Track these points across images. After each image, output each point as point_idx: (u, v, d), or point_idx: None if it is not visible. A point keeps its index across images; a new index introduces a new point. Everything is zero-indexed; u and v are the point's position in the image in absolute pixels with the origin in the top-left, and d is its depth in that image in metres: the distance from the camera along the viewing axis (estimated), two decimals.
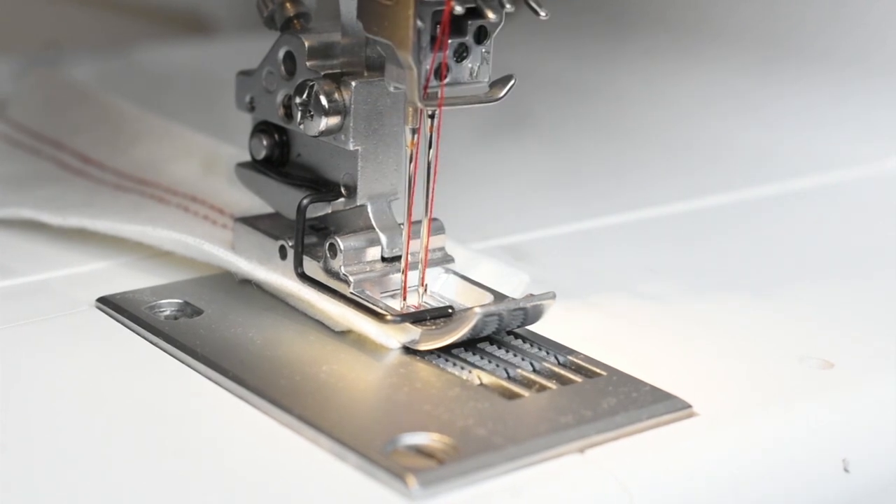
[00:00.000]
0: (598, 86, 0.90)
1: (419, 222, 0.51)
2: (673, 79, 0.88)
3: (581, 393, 0.47)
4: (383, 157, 0.53)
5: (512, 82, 0.50)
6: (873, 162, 0.76)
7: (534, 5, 0.48)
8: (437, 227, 0.53)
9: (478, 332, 0.49)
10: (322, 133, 0.52)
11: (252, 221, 0.56)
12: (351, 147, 0.52)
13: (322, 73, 0.52)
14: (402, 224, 0.51)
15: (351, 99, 0.51)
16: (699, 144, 0.80)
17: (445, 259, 0.54)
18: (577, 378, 0.48)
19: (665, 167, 0.77)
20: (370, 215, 0.53)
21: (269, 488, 0.42)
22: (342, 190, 0.53)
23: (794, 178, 0.75)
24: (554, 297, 0.50)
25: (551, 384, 0.48)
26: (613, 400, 0.46)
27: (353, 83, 0.51)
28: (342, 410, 0.46)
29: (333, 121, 0.51)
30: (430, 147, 0.50)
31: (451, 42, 0.48)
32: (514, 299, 0.50)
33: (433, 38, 0.48)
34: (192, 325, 0.52)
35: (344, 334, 0.51)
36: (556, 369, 0.49)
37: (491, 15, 0.48)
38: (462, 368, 0.48)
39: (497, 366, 0.49)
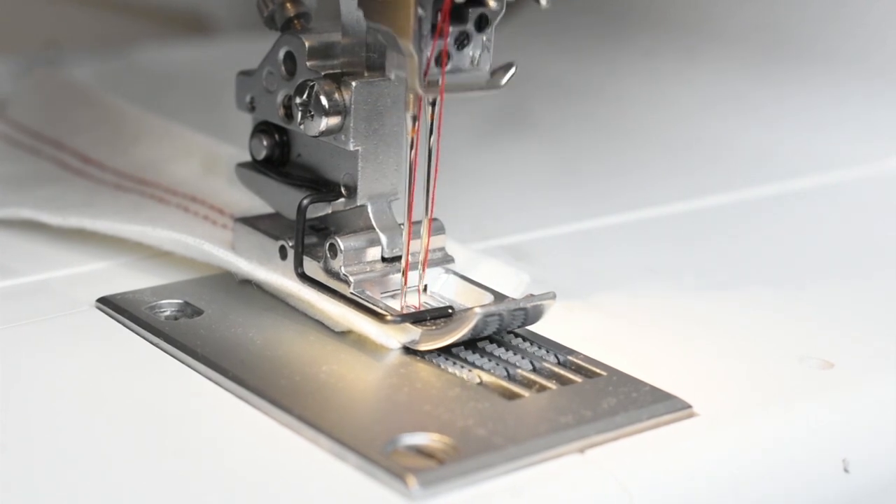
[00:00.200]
0: (599, 86, 0.90)
1: (419, 222, 0.51)
2: (673, 79, 0.88)
3: (581, 393, 0.47)
4: (383, 157, 0.53)
5: (513, 70, 0.49)
6: (873, 162, 0.76)
7: None
8: (437, 227, 0.53)
9: (478, 332, 0.49)
10: (322, 133, 0.52)
11: (252, 221, 0.56)
12: (351, 147, 0.52)
13: (322, 74, 0.52)
14: (403, 224, 0.51)
15: (351, 99, 0.51)
16: (699, 144, 0.80)
17: (445, 259, 0.54)
18: (577, 378, 0.48)
19: (665, 167, 0.77)
20: (370, 215, 0.53)
21: (269, 488, 0.42)
22: (342, 190, 0.53)
23: (794, 178, 0.74)
24: (554, 297, 0.50)
25: (551, 384, 0.48)
26: (613, 400, 0.46)
27: (354, 83, 0.51)
28: (342, 410, 0.46)
29: (334, 121, 0.51)
30: (430, 134, 0.49)
31: (452, 30, 0.48)
32: (514, 299, 0.50)
33: (434, 26, 0.48)
34: (192, 326, 0.52)
35: (344, 334, 0.51)
36: (556, 369, 0.49)
37: (492, 3, 0.48)
38: (462, 368, 0.48)
39: (497, 366, 0.49)
